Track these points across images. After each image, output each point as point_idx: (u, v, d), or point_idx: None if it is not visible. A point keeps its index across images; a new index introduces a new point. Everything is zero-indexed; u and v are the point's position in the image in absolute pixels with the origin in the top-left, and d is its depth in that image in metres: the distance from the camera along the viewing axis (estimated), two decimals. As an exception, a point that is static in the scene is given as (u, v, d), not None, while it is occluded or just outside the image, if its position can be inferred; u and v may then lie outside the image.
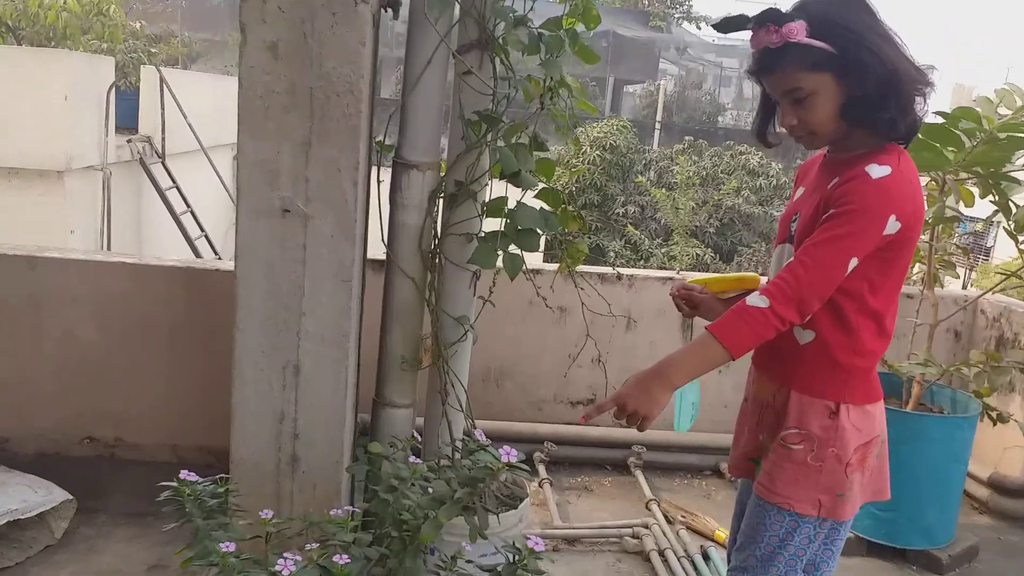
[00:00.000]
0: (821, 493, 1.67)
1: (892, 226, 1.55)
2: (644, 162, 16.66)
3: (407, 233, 2.37)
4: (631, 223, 14.76)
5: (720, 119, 25.67)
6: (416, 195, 2.33)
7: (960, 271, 3.30)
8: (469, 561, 1.72)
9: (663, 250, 14.12)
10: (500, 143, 2.18)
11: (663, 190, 14.60)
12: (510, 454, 1.56)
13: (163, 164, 8.99)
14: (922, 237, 3.13)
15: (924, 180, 2.87)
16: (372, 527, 1.94)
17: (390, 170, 2.40)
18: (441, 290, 2.47)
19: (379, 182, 2.38)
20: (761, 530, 1.72)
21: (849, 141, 1.64)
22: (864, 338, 1.65)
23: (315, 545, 1.83)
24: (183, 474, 1.68)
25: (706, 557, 2.85)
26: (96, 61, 8.44)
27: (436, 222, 2.41)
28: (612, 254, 13.85)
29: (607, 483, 3.51)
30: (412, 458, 1.93)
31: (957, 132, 2.79)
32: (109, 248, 7.93)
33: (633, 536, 2.97)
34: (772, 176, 15.71)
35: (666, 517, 3.14)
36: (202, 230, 9.25)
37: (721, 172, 15.79)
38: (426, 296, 2.46)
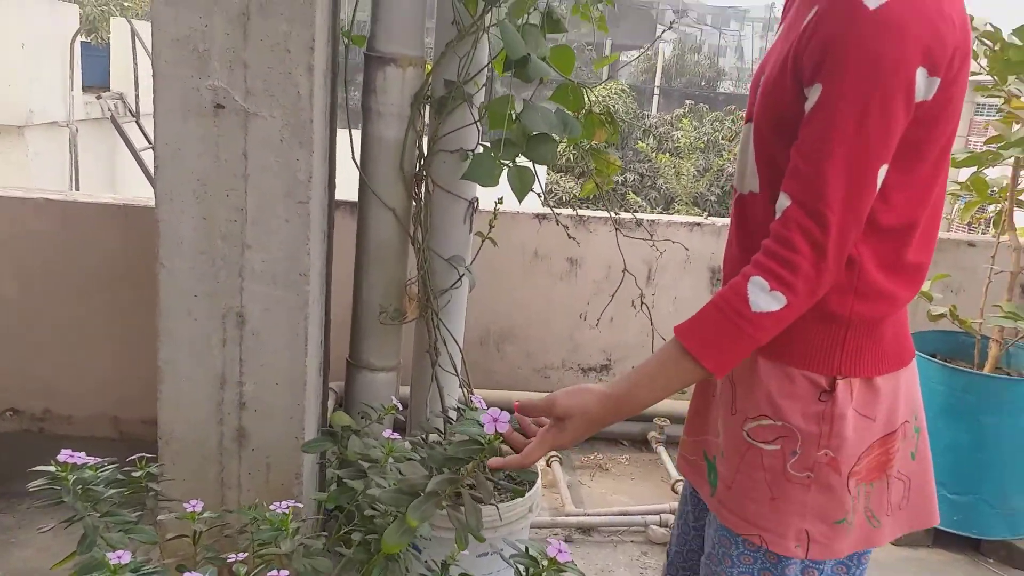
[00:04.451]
0: (809, 521, 1.08)
1: (925, 86, 0.95)
2: (643, 128, 16.19)
3: (384, 150, 1.87)
4: (631, 190, 14.26)
5: (719, 85, 25.01)
6: (395, 99, 1.82)
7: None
8: (463, 575, 1.23)
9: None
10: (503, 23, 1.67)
11: (666, 155, 14.12)
12: (498, 420, 1.07)
13: (137, 124, 8.43)
14: (1002, 168, 2.63)
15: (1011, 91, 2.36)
16: (338, 526, 1.46)
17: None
18: (429, 223, 1.98)
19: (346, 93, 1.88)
20: (727, 567, 1.15)
21: None
22: (871, 271, 1.04)
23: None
24: (63, 456, 1.20)
25: (749, 549, 2.38)
26: (58, 7, 7.83)
27: (421, 137, 1.91)
28: (612, 223, 13.35)
29: (624, 461, 3.04)
30: (389, 433, 1.44)
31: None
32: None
33: (660, 524, 2.51)
34: (776, 142, 15.24)
35: (696, 500, 2.67)
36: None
37: (722, 138, 15.34)
38: (410, 231, 1.97)
